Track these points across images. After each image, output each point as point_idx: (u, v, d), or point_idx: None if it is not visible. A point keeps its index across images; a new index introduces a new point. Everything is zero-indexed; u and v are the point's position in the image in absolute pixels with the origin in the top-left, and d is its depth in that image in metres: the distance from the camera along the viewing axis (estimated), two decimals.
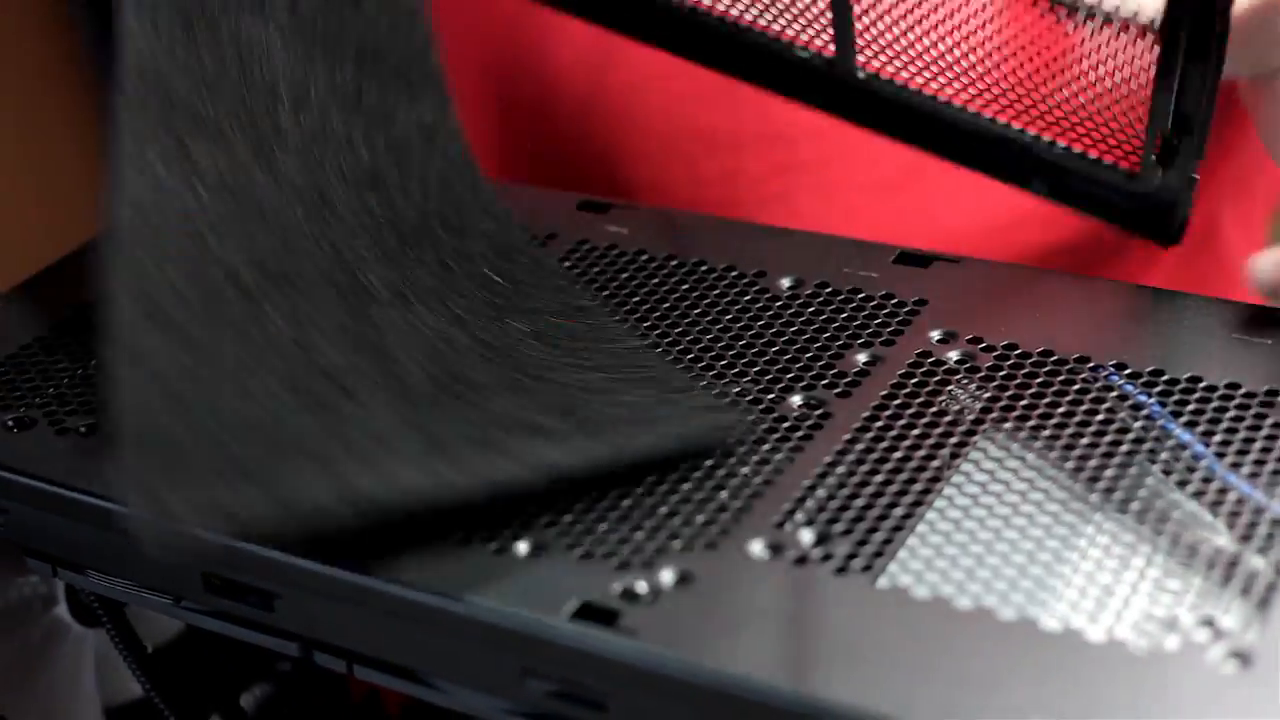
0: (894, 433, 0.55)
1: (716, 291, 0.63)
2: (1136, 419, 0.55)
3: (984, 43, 0.61)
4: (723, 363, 0.59)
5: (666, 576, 0.51)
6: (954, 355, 0.58)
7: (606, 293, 0.63)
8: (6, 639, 0.66)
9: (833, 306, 0.61)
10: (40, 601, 0.68)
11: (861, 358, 0.59)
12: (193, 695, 0.71)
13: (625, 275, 0.64)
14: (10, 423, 0.60)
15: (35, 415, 0.60)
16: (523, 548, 0.52)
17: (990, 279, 0.62)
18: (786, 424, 0.56)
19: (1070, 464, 0.54)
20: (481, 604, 0.51)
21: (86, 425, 0.59)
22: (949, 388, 0.57)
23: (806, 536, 0.52)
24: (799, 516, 0.52)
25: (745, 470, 0.54)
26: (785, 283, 0.63)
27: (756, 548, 0.52)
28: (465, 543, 0.53)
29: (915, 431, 0.55)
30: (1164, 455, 0.53)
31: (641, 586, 0.50)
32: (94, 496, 0.57)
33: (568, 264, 0.65)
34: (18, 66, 1.42)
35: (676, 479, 0.54)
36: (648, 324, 0.61)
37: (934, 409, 0.56)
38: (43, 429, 0.60)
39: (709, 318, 0.61)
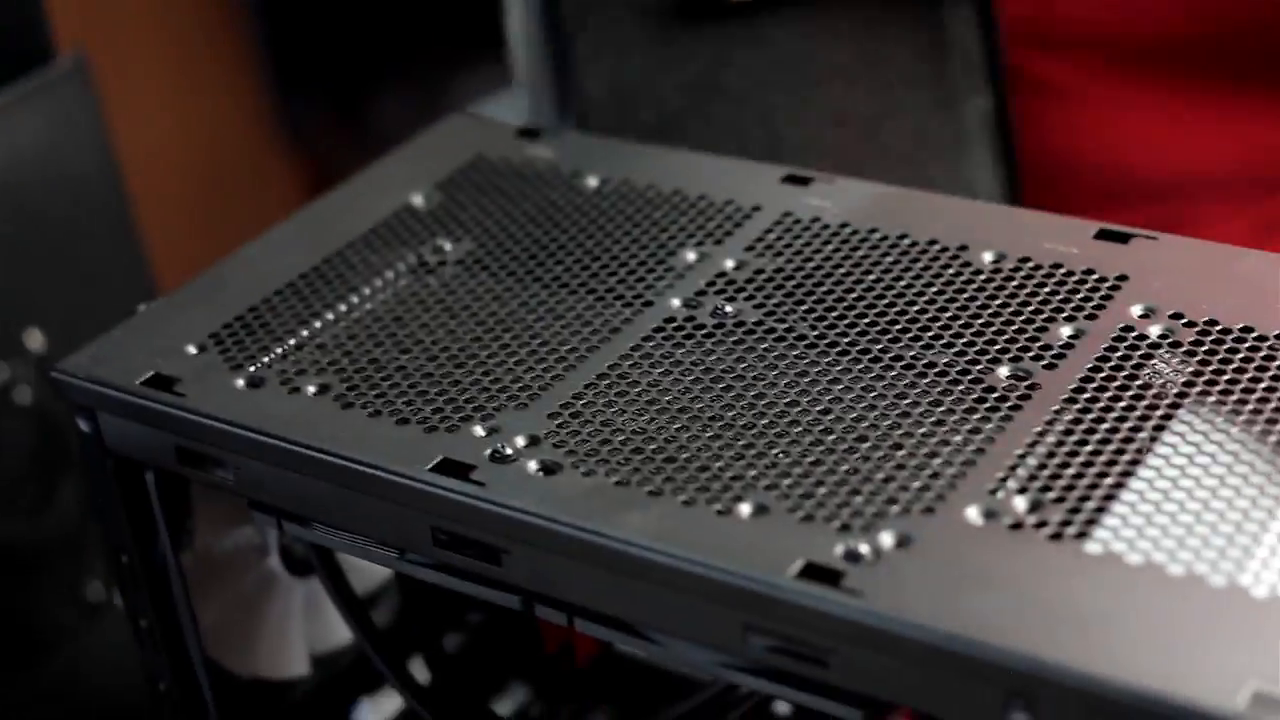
0: (1100, 404, 0.57)
1: (920, 265, 0.64)
2: None
3: None
4: (930, 334, 0.61)
5: (886, 539, 0.53)
6: (1156, 330, 0.60)
7: (812, 264, 0.65)
8: (222, 588, 0.69)
9: (1035, 281, 0.63)
10: (254, 552, 0.71)
11: (1065, 331, 0.60)
12: (397, 640, 0.74)
13: (830, 248, 0.66)
14: (242, 382, 0.62)
15: (265, 375, 0.63)
16: (745, 509, 0.54)
17: (1189, 256, 0.63)
18: (995, 394, 0.58)
19: (1272, 438, 0.55)
20: (708, 562, 0.53)
21: (317, 386, 0.62)
22: (1152, 362, 0.59)
23: (1020, 503, 0.53)
24: (1011, 484, 0.54)
25: (958, 439, 0.56)
26: (988, 257, 0.64)
27: (972, 513, 0.53)
28: (690, 504, 0.55)
29: (1121, 404, 0.57)
30: None
31: (864, 548, 0.52)
32: (326, 454, 0.59)
33: (773, 234, 0.67)
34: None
35: (891, 445, 0.56)
36: (854, 295, 0.63)
37: (1138, 382, 0.58)
38: (273, 388, 0.62)
39: (915, 290, 0.63)
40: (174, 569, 0.66)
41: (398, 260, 0.69)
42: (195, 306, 0.67)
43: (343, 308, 0.66)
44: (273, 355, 0.64)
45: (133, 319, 0.67)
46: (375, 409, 0.60)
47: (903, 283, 0.64)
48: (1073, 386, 0.58)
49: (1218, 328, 0.60)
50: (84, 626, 0.92)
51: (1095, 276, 0.63)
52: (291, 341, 0.65)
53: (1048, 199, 0.99)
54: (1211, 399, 0.57)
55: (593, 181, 0.72)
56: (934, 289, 0.63)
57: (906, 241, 0.66)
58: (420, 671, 0.73)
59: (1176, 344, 0.59)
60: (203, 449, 0.62)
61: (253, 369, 0.63)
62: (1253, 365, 0.58)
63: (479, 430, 0.59)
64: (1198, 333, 0.60)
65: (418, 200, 0.72)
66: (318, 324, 0.65)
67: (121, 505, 0.66)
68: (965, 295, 0.63)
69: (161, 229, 1.24)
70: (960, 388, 0.58)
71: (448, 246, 0.69)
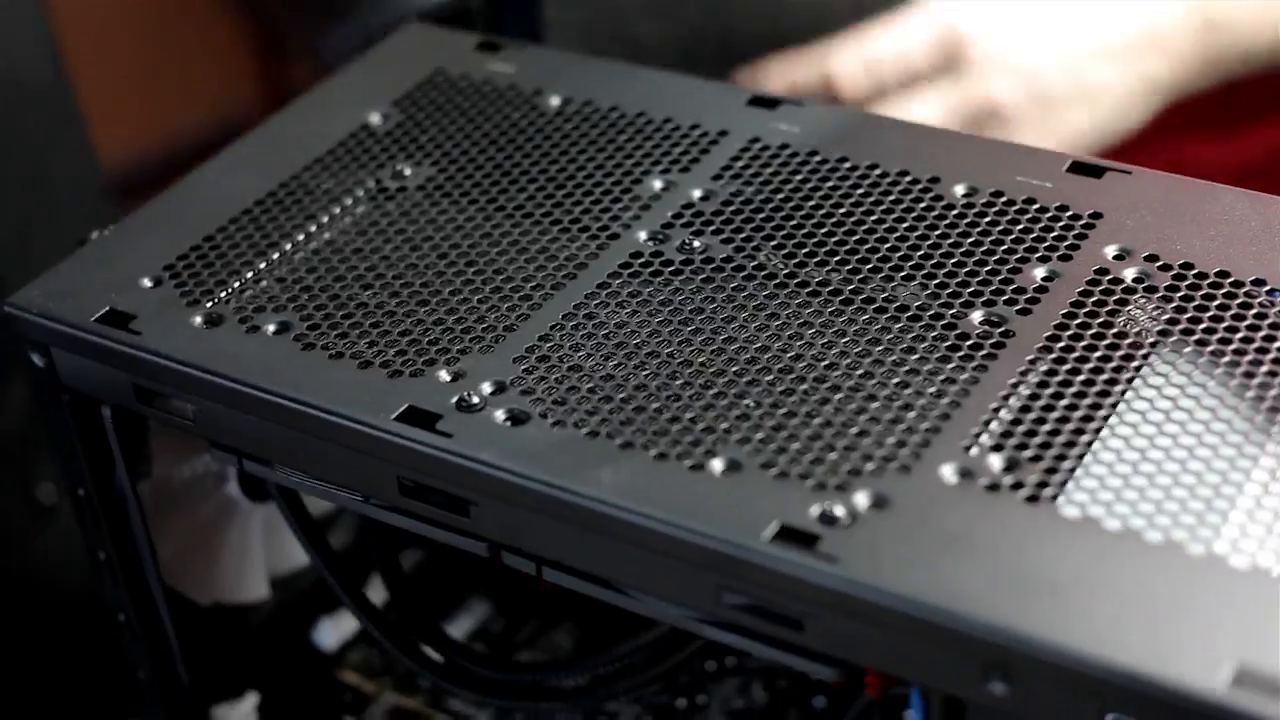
0: (1075, 354, 0.56)
1: (891, 198, 0.63)
2: None
3: None
4: (901, 273, 0.60)
5: (861, 500, 0.52)
6: (1130, 273, 0.59)
7: (781, 195, 0.64)
8: (179, 517, 0.68)
9: (1008, 217, 0.62)
10: (212, 479, 0.70)
11: (1039, 273, 0.59)
12: (356, 560, 0.74)
13: (799, 178, 0.65)
14: (199, 320, 0.61)
15: (223, 312, 0.61)
16: (718, 465, 0.54)
17: (1163, 192, 0.62)
18: (969, 342, 0.57)
19: (1250, 391, 0.55)
20: (681, 523, 0.52)
21: (277, 324, 0.60)
22: (1127, 308, 0.58)
23: (996, 461, 0.53)
24: (986, 440, 0.54)
25: (932, 390, 0.55)
26: (959, 190, 0.63)
27: (948, 472, 0.53)
28: (662, 458, 0.54)
29: (1096, 354, 0.56)
30: None
31: (839, 510, 0.52)
32: (287, 399, 0.58)
33: (740, 162, 0.66)
34: None
35: (865, 396, 0.55)
36: (823, 229, 0.62)
37: (1114, 330, 0.57)
38: (232, 326, 0.61)
39: (885, 225, 0.62)
40: (132, 502, 0.65)
41: (356, 185, 0.67)
42: (149, 235, 0.65)
43: (300, 237, 0.65)
44: (230, 289, 0.62)
45: (85, 248, 0.65)
46: (337, 350, 0.59)
47: (874, 217, 0.63)
48: (1047, 334, 0.57)
49: (1193, 271, 0.59)
50: (35, 528, 0.91)
51: (1069, 214, 0.62)
52: (249, 274, 0.63)
53: None
54: (1187, 348, 0.56)
55: (554, 101, 0.70)
56: (905, 224, 0.62)
57: (877, 173, 0.65)
58: (379, 590, 0.72)
59: (1151, 289, 0.59)
60: (160, 389, 0.61)
61: (209, 305, 0.62)
62: (1229, 313, 0.57)
63: (444, 375, 0.58)
64: (1173, 277, 0.59)
65: (375, 119, 0.70)
66: (275, 255, 0.64)
67: (78, 440, 0.65)
68: (937, 232, 0.62)
69: (102, 100, 1.21)
70: (933, 334, 0.58)
71: (407, 171, 0.67)
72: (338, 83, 0.73)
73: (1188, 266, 0.59)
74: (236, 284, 0.63)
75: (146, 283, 0.63)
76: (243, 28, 1.62)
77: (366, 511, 0.60)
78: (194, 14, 1.62)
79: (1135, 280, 0.59)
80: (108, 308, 0.62)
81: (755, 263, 0.61)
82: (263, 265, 0.63)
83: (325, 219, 0.65)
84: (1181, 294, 0.58)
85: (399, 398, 0.57)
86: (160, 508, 0.67)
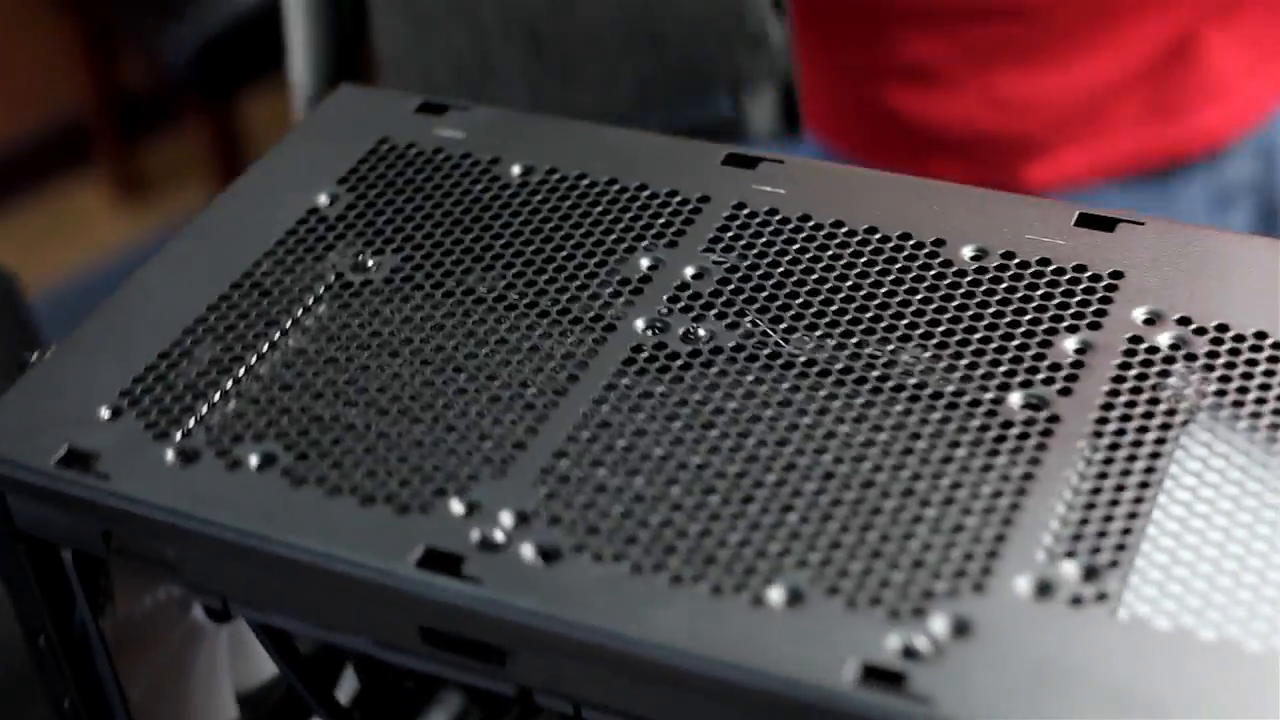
0: (1128, 438, 0.54)
1: (899, 266, 0.60)
2: None
3: None
4: (927, 354, 0.57)
5: (940, 626, 0.49)
6: (1165, 339, 0.56)
7: (780, 269, 0.60)
8: (146, 653, 0.63)
9: (1025, 282, 0.59)
10: (175, 606, 0.64)
11: (1070, 344, 0.56)
12: (327, 657, 0.69)
13: (795, 248, 0.61)
14: (172, 456, 0.56)
15: (197, 445, 0.56)
16: (777, 597, 0.50)
17: (1182, 244, 0.60)
18: (1015, 430, 0.54)
19: None
20: (748, 666, 0.49)
21: (260, 456, 0.55)
22: (1169, 379, 0.55)
23: (1072, 570, 0.50)
24: (1057, 546, 0.51)
25: (988, 489, 0.52)
26: (967, 252, 0.60)
27: (1023, 586, 0.50)
28: (716, 593, 0.50)
29: (1150, 435, 0.54)
30: None
31: (921, 642, 0.49)
32: (287, 546, 0.53)
33: (729, 233, 0.62)
34: None
35: (919, 501, 0.52)
36: (832, 306, 0.58)
37: (1161, 406, 0.54)
38: (210, 462, 0.56)
39: (898, 298, 0.59)
40: (98, 645, 0.60)
41: (315, 280, 0.62)
42: (98, 356, 0.60)
43: (264, 347, 0.60)
44: (198, 415, 0.57)
45: (27, 376, 0.59)
46: (333, 484, 0.54)
47: (884, 290, 0.59)
48: (1094, 417, 0.54)
49: (1230, 334, 0.57)
50: None
51: (1088, 275, 0.59)
52: (216, 396, 0.58)
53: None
54: (1229, 417, 0.54)
55: (515, 170, 0.66)
56: (919, 296, 0.59)
57: (878, 237, 0.61)
58: (351, 681, 0.68)
59: (1191, 355, 0.56)
60: (135, 537, 0.56)
61: (179, 436, 0.56)
62: (1276, 379, 0.55)
63: (457, 507, 0.53)
64: (1210, 341, 0.57)
65: (322, 200, 0.65)
66: (240, 370, 0.59)
67: (35, 586, 0.59)
68: (954, 303, 0.58)
69: None
70: (975, 423, 0.55)
71: (369, 262, 0.62)
72: (275, 160, 0.67)
73: (1223, 329, 0.57)
74: (204, 408, 0.57)
75: (104, 413, 0.57)
76: (72, 27, 1.54)
77: (382, 656, 0.55)
78: (19, 13, 1.54)
79: (1171, 347, 0.56)
80: (66, 447, 0.56)
81: (768, 351, 0.57)
82: (229, 384, 0.58)
83: (287, 322, 0.60)
84: (1223, 360, 0.56)
85: (413, 538, 0.53)
86: (126, 646, 0.62)
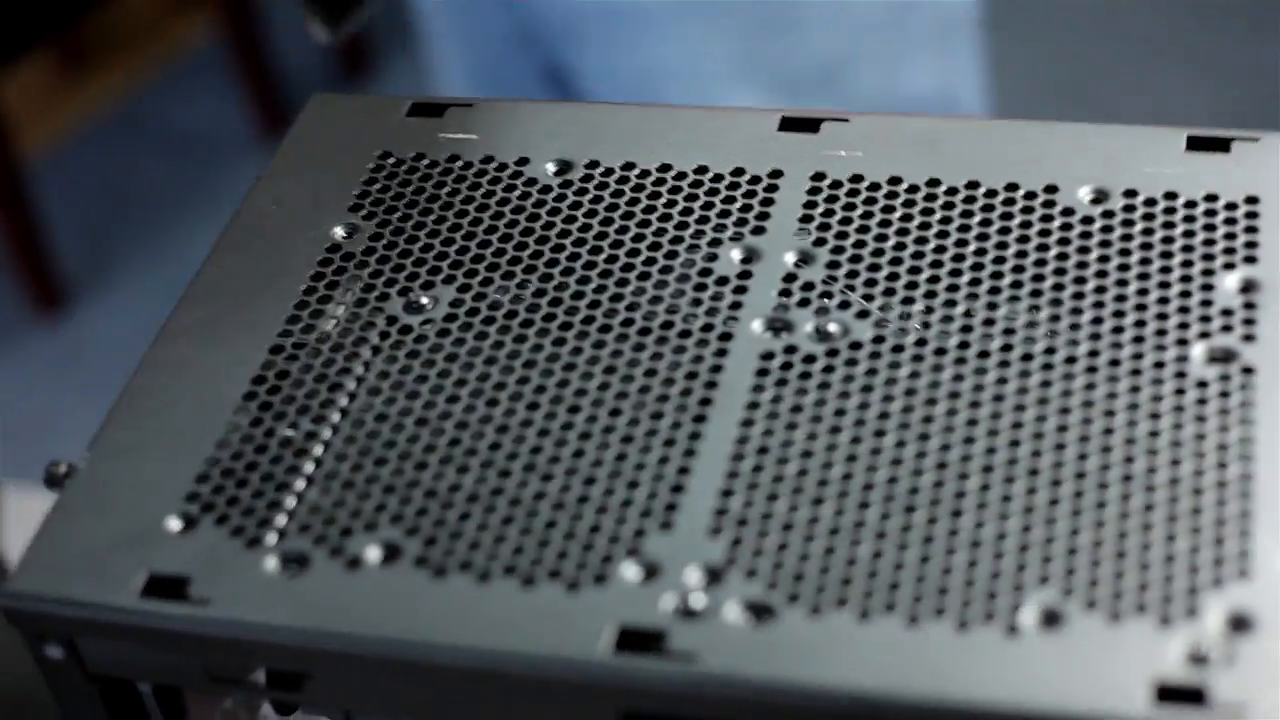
0: None
1: (1018, 221, 0.55)
2: None
3: None
4: (1085, 316, 0.52)
5: (1215, 624, 0.44)
6: None
7: (890, 241, 0.54)
8: None
9: (1160, 220, 0.54)
10: (241, 709, 0.57)
11: (1232, 284, 0.52)
12: None
13: (898, 216, 0.55)
14: (275, 565, 0.48)
15: (301, 548, 0.48)
16: (1031, 620, 0.45)
17: None
18: (1211, 388, 0.49)
19: None
20: (1031, 706, 0.43)
21: (382, 548, 0.48)
22: None
23: None
24: None
25: (1210, 459, 0.48)
26: (1085, 195, 0.55)
27: None
28: (963, 627, 0.45)
29: None
30: None
31: (1207, 645, 0.44)
32: (453, 648, 0.46)
33: (818, 209, 0.56)
34: None
35: (1143, 486, 0.47)
36: (962, 277, 0.53)
37: None
38: (323, 565, 0.48)
39: (1031, 258, 0.54)
40: None
41: (366, 330, 0.54)
42: (143, 455, 0.52)
43: (335, 416, 0.52)
44: (288, 511, 0.49)
45: (68, 492, 0.51)
46: (481, 570, 0.47)
47: (1011, 250, 0.54)
48: None
49: None
50: None
51: (1223, 203, 0.54)
52: (300, 484, 0.50)
53: None
54: None
55: (549, 168, 0.58)
56: (1052, 252, 0.54)
57: (983, 192, 0.56)
58: None
59: None
60: (249, 665, 0.48)
61: (275, 539, 0.49)
62: None
63: (632, 573, 0.47)
64: None
65: (339, 233, 0.57)
66: (319, 450, 0.51)
67: None
68: (1093, 255, 0.53)
69: None
70: (1166, 388, 0.50)
71: (423, 299, 0.55)
72: (267, 193, 0.59)
73: None
74: (292, 501, 0.50)
75: (174, 525, 0.49)
76: None
77: None
78: None
79: None
80: (146, 574, 0.48)
81: (913, 338, 0.51)
82: (311, 468, 0.50)
83: (352, 384, 0.52)
84: None
85: (596, 616, 0.46)
86: None
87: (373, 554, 0.48)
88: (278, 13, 2.09)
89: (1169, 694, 0.43)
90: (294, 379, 0.53)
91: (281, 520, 0.49)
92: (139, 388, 0.53)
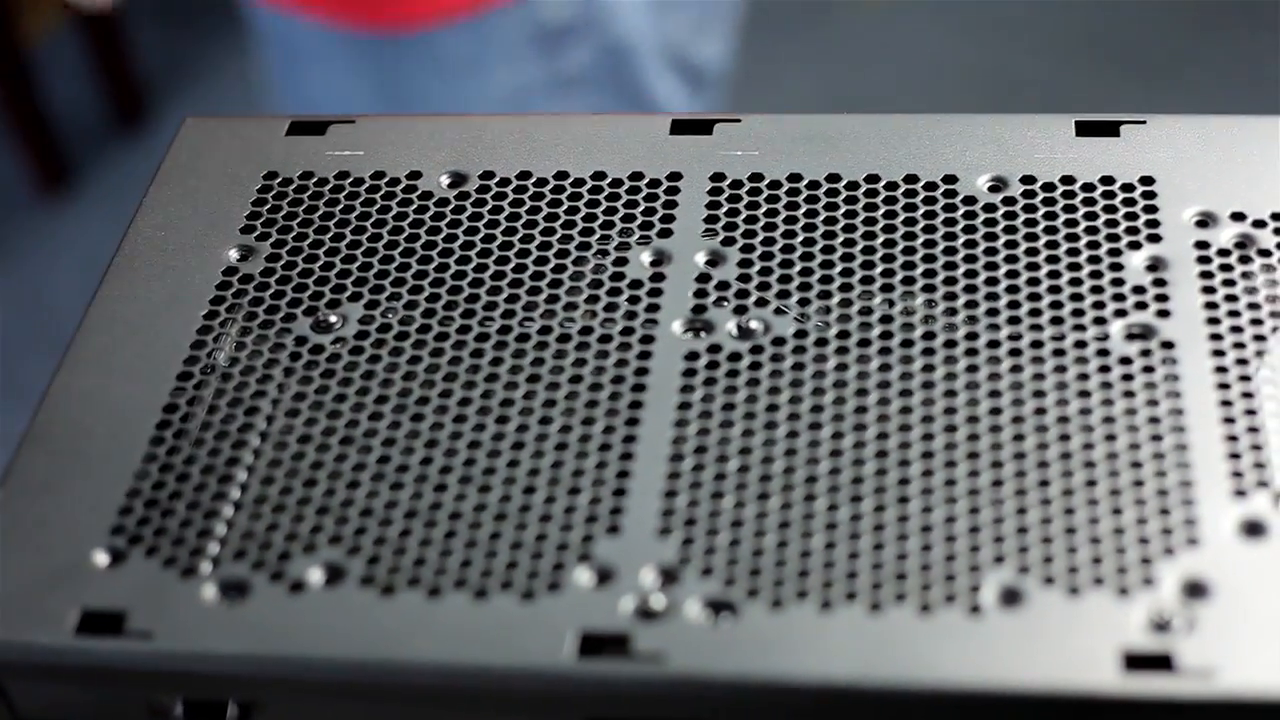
0: (1249, 349, 0.51)
1: (921, 212, 0.55)
2: None
3: None
4: (1000, 301, 0.52)
5: (1172, 592, 0.45)
6: (1228, 238, 0.53)
7: (798, 238, 0.55)
8: None
9: (1061, 205, 0.55)
10: None
11: (1139, 261, 0.53)
12: None
13: (803, 212, 0.56)
14: (213, 594, 0.47)
15: (239, 574, 0.47)
16: (989, 597, 0.45)
17: (1194, 136, 0.57)
18: (1136, 364, 0.50)
19: None
20: (1004, 685, 0.44)
21: (325, 569, 0.47)
22: (1252, 280, 0.52)
23: (1271, 503, 0.47)
24: (1247, 481, 0.47)
25: (1144, 433, 0.48)
26: (983, 183, 0.56)
27: (1229, 528, 0.47)
28: (926, 610, 0.45)
29: (1270, 341, 0.51)
30: None
31: (1165, 613, 0.44)
32: (410, 668, 0.45)
33: (722, 209, 0.56)
34: None
35: (1083, 462, 0.48)
36: (878, 270, 0.53)
37: (1265, 309, 0.51)
38: (264, 590, 0.47)
39: (940, 246, 0.54)
40: None
41: (276, 351, 0.53)
42: (58, 491, 0.50)
43: (256, 440, 0.50)
44: (220, 539, 0.48)
45: None
46: (430, 585, 0.46)
47: (919, 240, 0.54)
48: (1207, 334, 0.51)
49: None
50: None
51: (1120, 184, 0.55)
52: (228, 510, 0.49)
53: None
54: None
55: (444, 180, 0.57)
56: (959, 240, 0.54)
57: (884, 185, 0.56)
58: None
59: (1264, 251, 0.53)
60: (199, 698, 0.46)
61: (210, 568, 0.47)
62: None
63: (586, 579, 0.46)
64: (1275, 232, 0.54)
65: (233, 256, 0.56)
66: (242, 475, 0.49)
67: None
68: (1001, 241, 0.54)
69: None
70: (1091, 366, 0.50)
71: (331, 318, 0.53)
72: (151, 219, 0.57)
73: (1279, 217, 0.54)
74: (223, 529, 0.48)
75: (102, 559, 0.47)
76: None
77: None
78: None
79: (1238, 245, 0.53)
80: (79, 610, 0.46)
81: (835, 331, 0.52)
82: (238, 493, 0.49)
83: (268, 406, 0.51)
84: None
85: (554, 624, 0.45)
86: None
87: (315, 576, 0.47)
88: (50, 62, 2.04)
89: (1136, 662, 0.44)
90: (207, 404, 0.51)
91: (214, 548, 0.48)
92: (46, 421, 0.51)
